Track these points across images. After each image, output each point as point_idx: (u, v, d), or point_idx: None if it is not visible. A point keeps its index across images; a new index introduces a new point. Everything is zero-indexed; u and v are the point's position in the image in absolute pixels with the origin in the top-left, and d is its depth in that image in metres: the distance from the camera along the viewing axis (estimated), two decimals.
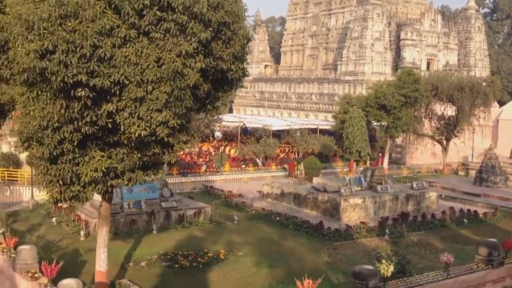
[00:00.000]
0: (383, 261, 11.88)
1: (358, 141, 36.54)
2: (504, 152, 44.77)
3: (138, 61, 9.69)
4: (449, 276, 13.12)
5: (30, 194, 28.36)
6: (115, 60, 9.59)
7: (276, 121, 53.47)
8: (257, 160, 43.26)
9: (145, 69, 9.75)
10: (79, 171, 11.71)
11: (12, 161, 34.66)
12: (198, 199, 28.12)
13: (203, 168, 39.14)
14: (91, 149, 11.90)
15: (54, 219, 23.33)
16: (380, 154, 43.39)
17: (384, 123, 40.10)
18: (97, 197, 23.16)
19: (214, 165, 40.75)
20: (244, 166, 42.53)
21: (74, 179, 11.80)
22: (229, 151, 48.58)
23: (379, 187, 25.99)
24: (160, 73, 9.81)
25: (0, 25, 11.37)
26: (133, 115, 10.09)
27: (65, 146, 11.39)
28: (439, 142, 44.47)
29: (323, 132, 50.58)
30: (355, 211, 24.80)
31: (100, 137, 11.76)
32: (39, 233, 21.63)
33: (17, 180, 32.32)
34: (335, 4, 71.88)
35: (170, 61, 9.86)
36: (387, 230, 22.78)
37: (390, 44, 63.56)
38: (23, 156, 35.92)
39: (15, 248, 14.22)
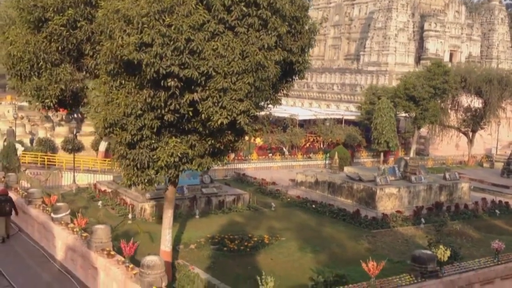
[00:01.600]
0: (440, 246, 12.49)
1: (387, 131, 37.07)
2: None
3: (225, 53, 10.34)
4: (499, 262, 13.72)
5: (72, 178, 29.22)
6: (205, 52, 10.23)
7: (302, 110, 53.92)
8: (284, 149, 43.89)
9: (231, 61, 10.39)
10: (155, 156, 12.41)
11: (49, 146, 35.58)
12: (233, 186, 28.84)
13: (232, 156, 39.80)
14: (164, 135, 12.63)
15: (100, 203, 24.12)
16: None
17: (411, 114, 40.48)
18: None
19: (242, 153, 41.40)
20: (270, 155, 43.18)
21: (150, 164, 12.50)
22: (254, 139, 49.21)
23: (413, 177, 26.54)
24: (245, 65, 10.45)
25: (87, 18, 12.00)
26: (216, 104, 10.74)
27: (144, 132, 12.10)
28: (465, 134, 44.78)
29: (347, 122, 51.03)
30: (390, 200, 25.40)
31: (174, 124, 12.47)
32: (88, 215, 22.46)
33: (55, 165, 33.25)
34: None
35: (254, 54, 10.50)
36: (422, 219, 23.38)
37: (414, 35, 63.66)
38: (58, 141, 36.96)
39: (85, 228, 15.02)
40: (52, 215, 15.86)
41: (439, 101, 41.39)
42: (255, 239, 20.21)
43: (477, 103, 44.21)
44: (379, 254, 19.76)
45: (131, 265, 12.31)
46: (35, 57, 12.32)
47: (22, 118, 45.83)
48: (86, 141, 38.18)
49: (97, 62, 11.91)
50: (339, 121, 50.31)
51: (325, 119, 47.93)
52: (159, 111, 11.51)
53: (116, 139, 12.38)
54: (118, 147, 12.48)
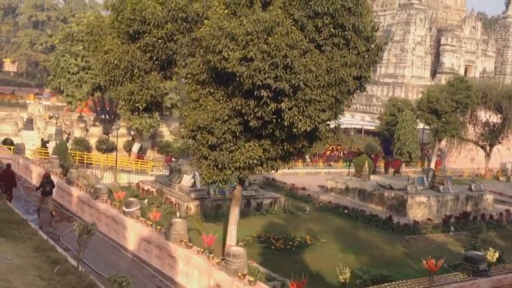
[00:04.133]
0: (490, 248, 13.80)
1: (409, 143, 38.38)
2: None
3: (313, 69, 11.70)
4: None
5: (113, 177, 30.57)
6: (296, 68, 11.60)
7: None
8: (306, 156, 45.17)
9: (318, 76, 11.75)
10: (234, 157, 13.77)
11: (84, 146, 36.96)
12: (266, 190, 30.15)
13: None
14: (240, 140, 13.99)
15: (146, 201, 25.45)
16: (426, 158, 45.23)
17: (432, 126, 41.77)
18: (184, 182, 25.30)
19: None
20: (293, 161, 44.41)
21: (229, 165, 13.86)
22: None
23: (441, 187, 27.83)
24: (329, 79, 11.82)
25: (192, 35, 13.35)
26: (301, 113, 12.09)
27: (226, 136, 13.47)
28: (483, 147, 46.04)
29: (366, 132, 52.32)
30: (420, 208, 26.68)
31: (252, 129, 13.83)
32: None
33: (92, 164, 34.64)
34: (376, 7, 73.29)
35: (337, 70, 11.87)
36: (452, 227, 24.65)
37: (430, 49, 65.07)
38: (92, 141, 38.36)
39: (157, 221, 16.37)
40: (124, 209, 17.19)
41: (458, 115, 42.66)
42: (298, 239, 21.54)
43: (495, 118, 45.46)
44: (415, 258, 21.10)
45: (212, 255, 13.63)
46: (130, 65, 13.70)
47: (52, 117, 47.25)
48: (118, 142, 39.57)
49: (188, 72, 13.27)
50: (358, 130, 51.59)
51: (347, 129, 49.21)
52: (245, 117, 12.86)
53: (200, 141, 13.74)
54: (202, 149, 13.83)
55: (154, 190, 26.76)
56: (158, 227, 15.86)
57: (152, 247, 15.58)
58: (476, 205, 28.64)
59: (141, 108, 14.30)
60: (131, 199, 17.70)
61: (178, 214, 23.59)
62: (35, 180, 25.08)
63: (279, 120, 12.82)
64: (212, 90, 13.12)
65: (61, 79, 35.22)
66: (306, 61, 11.68)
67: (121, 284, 7.93)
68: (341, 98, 12.24)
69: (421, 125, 45.16)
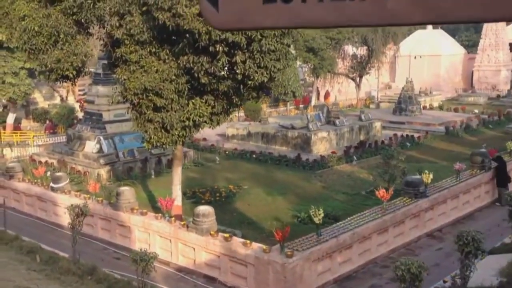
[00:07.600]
0: (426, 171, 15.15)
1: (293, 82, 39.69)
2: (401, 86, 50.50)
3: None
4: (460, 181, 16.81)
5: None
6: None
7: None
8: None
9: None
10: (181, 117, 13.38)
11: None
12: None
13: None
14: (183, 98, 13.59)
15: (49, 173, 23.69)
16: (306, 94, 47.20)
17: (310, 64, 43.52)
18: (89, 149, 24.11)
19: None
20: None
21: (177, 125, 13.45)
22: None
23: (337, 121, 29.45)
24: (283, 29, 11.78)
25: None
26: (257, 65, 11.99)
27: (173, 96, 12.99)
28: (353, 79, 49.09)
29: None
30: (322, 144, 28.10)
31: (195, 87, 13.47)
32: None
33: None
34: None
35: None
36: (354, 157, 26.42)
37: None
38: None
39: (97, 193, 15.48)
40: (52, 185, 15.99)
41: (331, 51, 44.82)
42: (223, 189, 21.69)
43: (361, 50, 48.48)
44: (335, 189, 22.40)
45: (173, 218, 13.34)
46: (55, 31, 12.37)
47: None
48: None
49: (124, 32, 12.40)
50: None
51: None
52: (195, 75, 12.46)
53: (146, 104, 13.09)
54: (147, 112, 13.21)
55: (53, 161, 25.00)
56: (99, 199, 15.07)
57: (96, 220, 14.82)
58: (368, 133, 30.82)
59: (71, 76, 13.10)
60: (58, 173, 16.52)
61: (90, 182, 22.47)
62: None
63: (231, 74, 12.61)
64: (154, 50, 12.43)
65: None
66: None
67: (148, 261, 7.57)
68: (290, 46, 12.31)
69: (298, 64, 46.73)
